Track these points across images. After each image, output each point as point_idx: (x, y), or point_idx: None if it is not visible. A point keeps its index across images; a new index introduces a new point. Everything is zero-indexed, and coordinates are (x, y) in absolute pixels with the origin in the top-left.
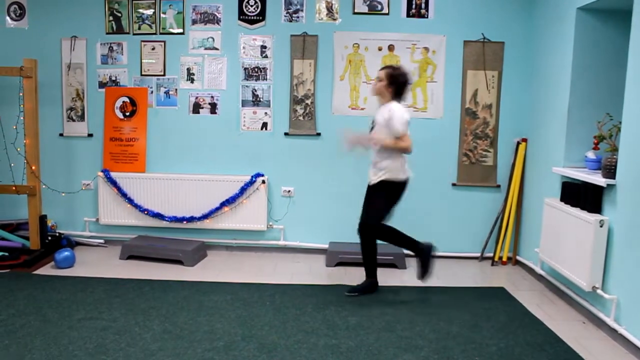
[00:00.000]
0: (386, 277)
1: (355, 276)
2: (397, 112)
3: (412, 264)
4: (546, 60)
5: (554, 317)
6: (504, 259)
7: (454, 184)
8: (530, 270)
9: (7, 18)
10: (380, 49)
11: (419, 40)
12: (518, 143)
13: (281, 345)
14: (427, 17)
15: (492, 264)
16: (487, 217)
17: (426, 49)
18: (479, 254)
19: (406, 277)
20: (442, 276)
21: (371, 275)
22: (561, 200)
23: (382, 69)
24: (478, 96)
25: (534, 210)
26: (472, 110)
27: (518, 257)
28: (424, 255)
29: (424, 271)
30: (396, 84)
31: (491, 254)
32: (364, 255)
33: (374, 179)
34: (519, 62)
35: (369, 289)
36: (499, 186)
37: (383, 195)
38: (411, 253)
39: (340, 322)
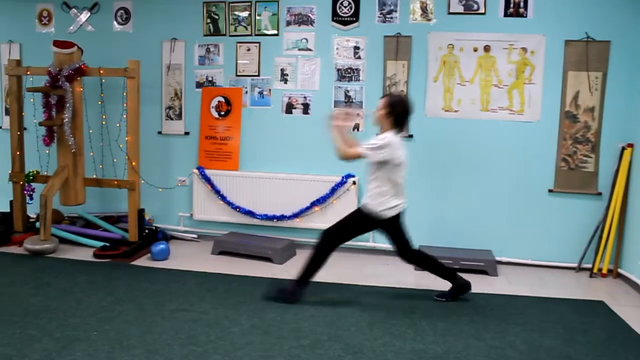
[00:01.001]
0: (476, 284)
1: (444, 281)
2: (378, 139)
3: (504, 272)
4: None
5: None
6: (604, 271)
7: (550, 190)
8: (634, 285)
9: (114, 23)
10: (475, 50)
11: (517, 41)
12: (623, 148)
13: (367, 347)
14: (526, 17)
15: (591, 276)
16: (586, 225)
17: (524, 49)
18: (576, 265)
19: (497, 284)
20: (535, 285)
21: (451, 279)
22: None
23: (383, 97)
24: (579, 99)
25: None
26: (572, 114)
27: (620, 270)
28: (295, 291)
29: (284, 299)
30: (395, 113)
31: (590, 265)
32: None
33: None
34: (627, 63)
35: (460, 291)
36: (600, 194)
37: (354, 218)
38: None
39: (427, 327)
